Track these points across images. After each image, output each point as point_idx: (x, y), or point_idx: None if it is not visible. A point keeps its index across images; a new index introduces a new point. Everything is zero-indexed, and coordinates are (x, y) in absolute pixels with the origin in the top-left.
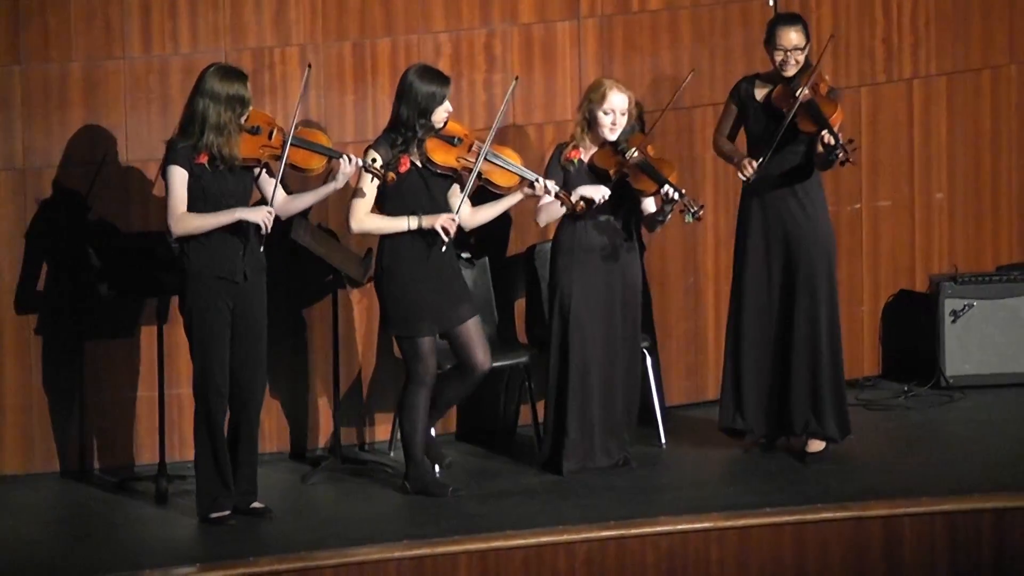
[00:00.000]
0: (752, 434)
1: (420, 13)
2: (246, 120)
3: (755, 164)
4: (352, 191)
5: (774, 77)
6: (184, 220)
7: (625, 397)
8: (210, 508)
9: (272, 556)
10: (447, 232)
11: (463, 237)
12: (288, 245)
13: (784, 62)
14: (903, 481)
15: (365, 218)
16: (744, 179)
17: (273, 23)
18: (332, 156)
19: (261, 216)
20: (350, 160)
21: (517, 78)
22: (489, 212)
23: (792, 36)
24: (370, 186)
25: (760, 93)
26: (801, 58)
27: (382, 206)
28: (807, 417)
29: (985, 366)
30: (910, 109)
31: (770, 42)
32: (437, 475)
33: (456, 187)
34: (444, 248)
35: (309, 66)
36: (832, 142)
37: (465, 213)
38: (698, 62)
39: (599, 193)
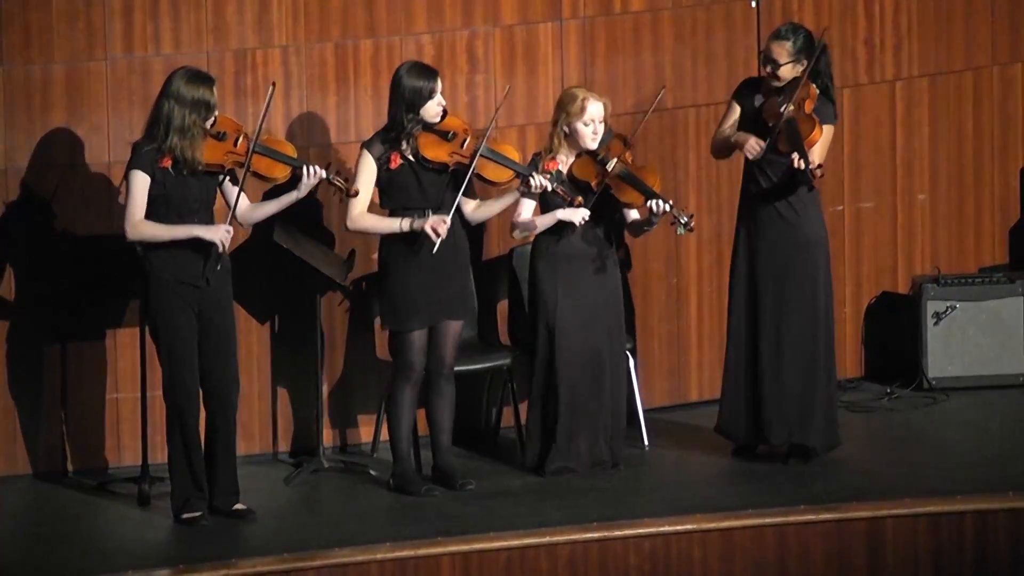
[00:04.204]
0: (735, 441)
1: (402, 14)
2: (212, 125)
3: (763, 144)
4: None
5: (770, 87)
6: (140, 227)
7: (613, 402)
8: (182, 508)
9: (254, 558)
10: (437, 233)
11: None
12: (271, 246)
13: (771, 75)
14: (886, 483)
15: (359, 217)
16: (751, 158)
17: (255, 24)
18: (295, 166)
19: (219, 235)
20: (313, 171)
21: (508, 88)
22: (489, 209)
23: (771, 47)
24: (365, 186)
25: (758, 100)
26: (787, 72)
27: (379, 201)
28: (789, 428)
29: (967, 368)
30: (892, 111)
31: (761, 55)
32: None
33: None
34: (435, 250)
35: (273, 84)
36: (801, 166)
37: (468, 209)
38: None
39: (578, 217)
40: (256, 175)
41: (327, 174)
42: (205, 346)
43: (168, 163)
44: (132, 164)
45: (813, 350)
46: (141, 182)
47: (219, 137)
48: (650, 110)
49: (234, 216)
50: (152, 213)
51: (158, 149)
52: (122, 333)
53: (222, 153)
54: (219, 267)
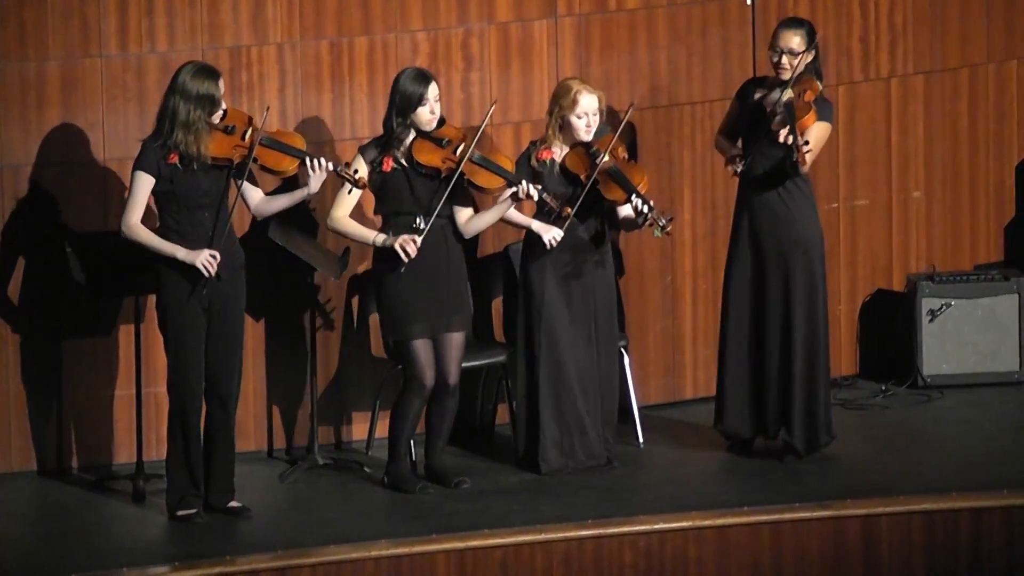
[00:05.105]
0: (731, 436)
1: (397, 12)
2: (221, 119)
3: (737, 168)
4: (339, 189)
5: (775, 81)
6: (133, 229)
7: (605, 398)
8: (177, 506)
9: (250, 555)
10: (406, 252)
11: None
12: (266, 243)
13: (777, 64)
14: (881, 480)
15: (340, 219)
16: (734, 173)
17: (250, 22)
18: (303, 159)
19: (200, 259)
20: (320, 164)
21: (495, 102)
22: (484, 220)
23: (785, 37)
24: (354, 191)
25: (757, 94)
26: (794, 62)
27: (373, 205)
28: (784, 425)
29: (962, 366)
30: (888, 108)
31: (770, 43)
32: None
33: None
34: (403, 269)
35: (268, 108)
36: (788, 142)
37: (461, 220)
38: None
39: (548, 236)
40: (264, 168)
41: (335, 166)
42: (212, 341)
43: (175, 159)
44: (137, 163)
45: (807, 347)
46: (143, 183)
47: (228, 131)
48: (621, 125)
49: (247, 206)
50: (161, 208)
51: (163, 145)
52: (123, 329)
53: (230, 147)
54: (204, 292)
